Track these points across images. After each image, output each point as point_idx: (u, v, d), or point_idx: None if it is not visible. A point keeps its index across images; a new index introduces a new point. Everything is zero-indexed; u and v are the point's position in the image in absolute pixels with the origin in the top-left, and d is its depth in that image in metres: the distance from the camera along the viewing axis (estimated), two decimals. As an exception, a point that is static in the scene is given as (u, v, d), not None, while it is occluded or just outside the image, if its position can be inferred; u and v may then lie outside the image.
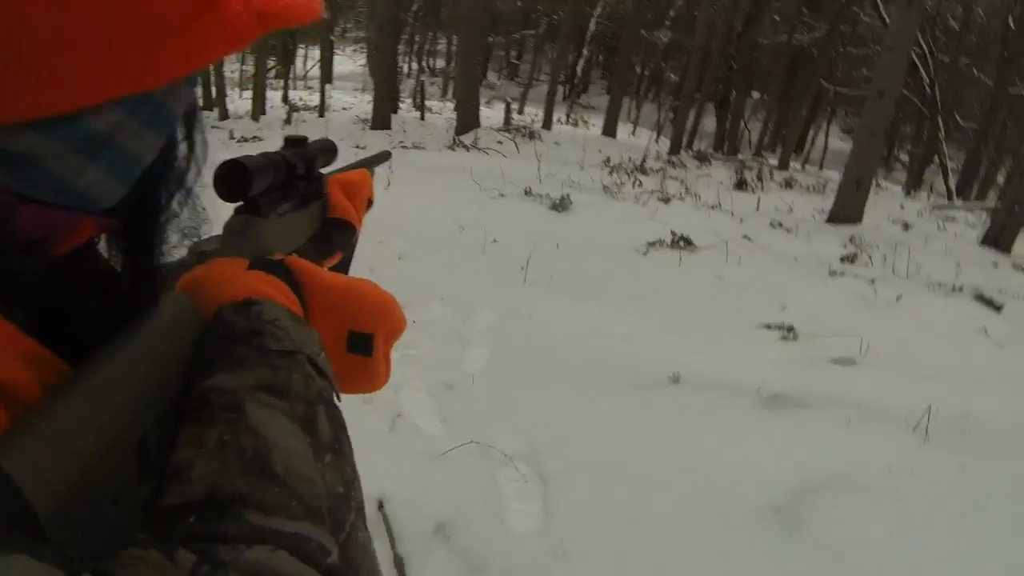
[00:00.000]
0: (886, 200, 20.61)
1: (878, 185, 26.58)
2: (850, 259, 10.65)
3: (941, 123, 29.38)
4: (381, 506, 3.25)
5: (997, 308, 8.94)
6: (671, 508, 3.49)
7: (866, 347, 6.70)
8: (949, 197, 27.29)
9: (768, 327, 7.06)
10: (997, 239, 14.77)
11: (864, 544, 3.32)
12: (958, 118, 37.61)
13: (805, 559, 3.23)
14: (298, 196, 1.13)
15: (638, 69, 45.93)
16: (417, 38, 49.13)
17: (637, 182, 13.44)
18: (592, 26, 35.82)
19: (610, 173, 14.10)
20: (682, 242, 9.34)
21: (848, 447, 4.31)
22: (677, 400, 4.76)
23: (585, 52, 39.97)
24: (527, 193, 10.70)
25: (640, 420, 4.45)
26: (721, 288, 8.25)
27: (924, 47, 27.91)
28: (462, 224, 9.08)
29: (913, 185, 29.00)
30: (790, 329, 6.97)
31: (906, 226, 15.30)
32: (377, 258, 7.54)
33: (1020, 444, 4.73)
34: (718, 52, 28.77)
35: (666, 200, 12.39)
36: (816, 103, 41.00)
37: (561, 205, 10.22)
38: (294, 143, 1.12)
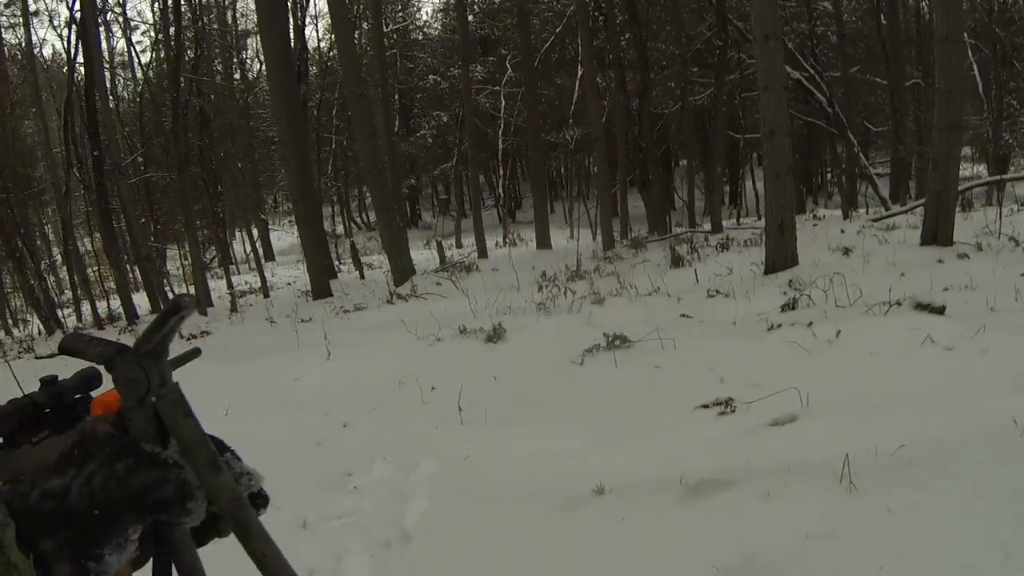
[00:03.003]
0: (828, 228, 20.82)
1: (816, 218, 26.91)
2: (790, 306, 10.61)
3: (852, 137, 29.81)
4: None
5: (939, 311, 8.88)
6: None
7: (807, 399, 6.69)
8: (884, 206, 27.58)
9: (706, 406, 7.07)
10: (935, 235, 14.88)
11: None
12: (869, 126, 38.23)
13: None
14: (53, 424, 1.40)
15: (562, 170, 46.57)
16: (344, 194, 49.59)
17: (568, 291, 13.58)
18: (500, 144, 36.35)
19: (540, 290, 14.25)
20: (617, 341, 9.38)
21: (764, 524, 4.27)
22: (601, 512, 4.79)
23: (501, 171, 40.49)
24: (462, 331, 10.79)
25: (565, 542, 4.48)
26: (659, 378, 8.28)
27: (810, 69, 28.53)
28: (401, 378, 9.14)
29: (850, 206, 29.30)
30: (727, 403, 6.98)
31: (847, 251, 15.34)
32: (323, 430, 7.67)
33: (956, 467, 4.64)
34: (622, 134, 29.24)
35: (600, 301, 12.47)
36: (732, 156, 41.75)
37: (496, 336, 10.33)
38: (45, 383, 1.41)
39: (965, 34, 26.28)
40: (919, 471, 4.61)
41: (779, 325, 9.43)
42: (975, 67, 31.05)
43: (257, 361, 11.48)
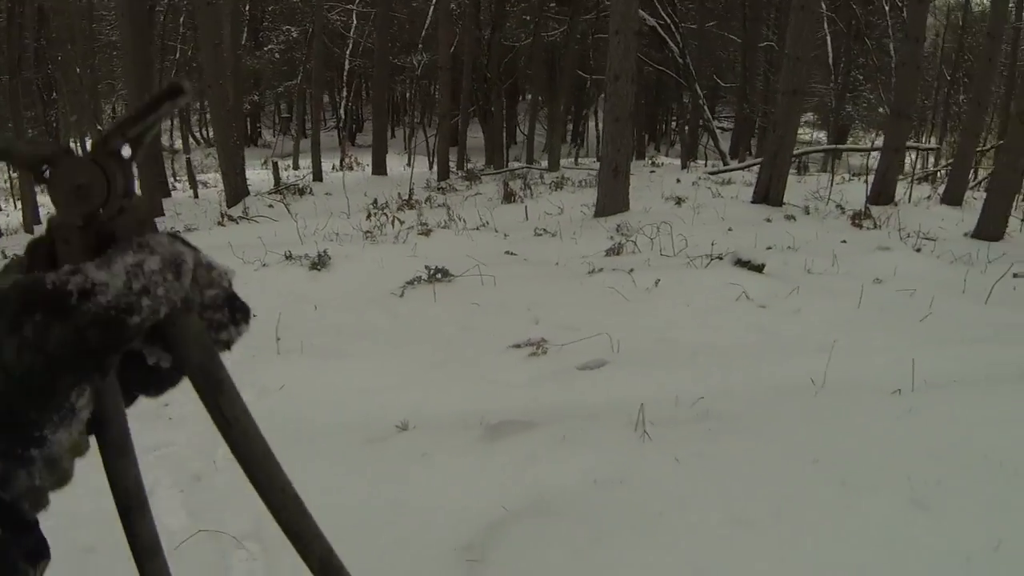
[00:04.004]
0: (665, 176, 21.19)
1: (654, 164, 27.39)
2: (615, 251, 10.94)
3: (699, 89, 30.40)
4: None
5: (758, 268, 9.24)
6: (370, 563, 3.72)
7: (618, 345, 6.96)
8: (723, 160, 28.24)
9: (518, 346, 7.29)
10: (767, 194, 15.47)
11: (549, 566, 3.56)
12: (719, 81, 38.95)
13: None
14: None
15: (407, 95, 46.26)
16: (185, 107, 48.22)
17: (396, 220, 13.68)
18: (347, 65, 36.02)
19: (368, 217, 14.29)
20: (439, 275, 9.55)
21: (557, 467, 4.48)
22: (403, 447, 5.00)
23: (345, 92, 40.14)
24: (287, 258, 10.78)
25: (366, 476, 4.67)
26: (477, 315, 8.47)
27: (667, 18, 28.98)
28: (222, 304, 9.19)
29: (689, 157, 29.93)
30: (539, 344, 7.19)
31: (679, 201, 15.84)
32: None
33: (748, 422, 5.00)
34: (469, 64, 29.24)
35: (427, 233, 12.61)
36: (579, 96, 42.09)
37: (320, 263, 10.39)
38: None
39: (823, 6, 27.10)
40: (712, 423, 4.94)
41: (600, 269, 9.71)
42: (828, 38, 31.98)
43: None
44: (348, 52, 35.55)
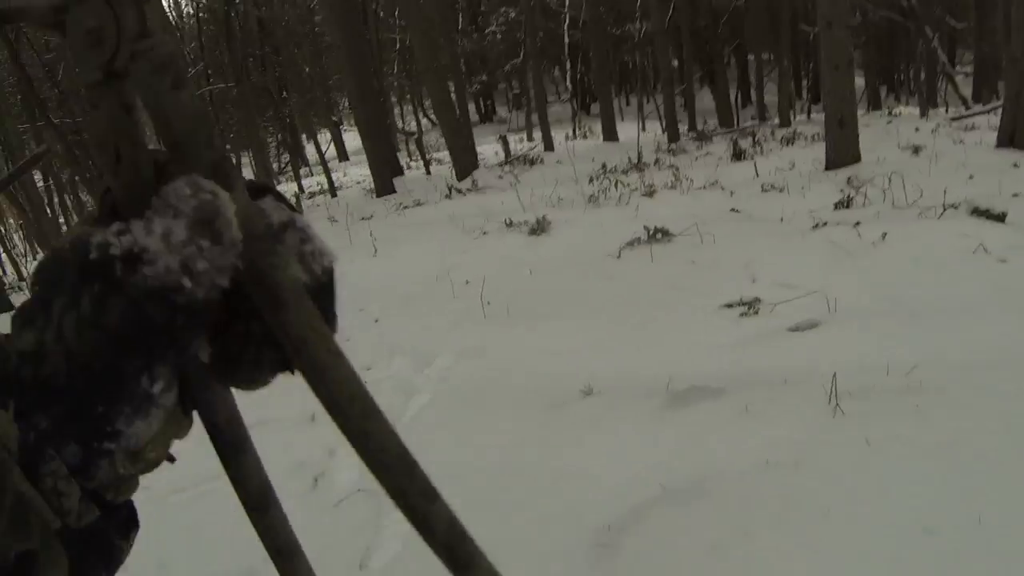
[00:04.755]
0: (902, 126, 20.19)
1: (891, 114, 26.18)
2: (844, 204, 10.35)
3: (929, 31, 28.70)
4: None
5: (999, 218, 8.24)
6: (509, 537, 3.45)
7: (835, 304, 6.43)
8: (964, 105, 26.73)
9: (729, 306, 6.89)
10: (1012, 137, 14.18)
11: (680, 561, 3.24)
12: (952, 21, 36.67)
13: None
14: None
15: (636, 61, 45.93)
16: (408, 95, 49.43)
17: (620, 183, 13.43)
18: (566, 38, 35.89)
19: (590, 181, 14.08)
20: (659, 235, 9.24)
21: (732, 443, 4.11)
22: (581, 414, 4.80)
23: (569, 65, 39.97)
24: (508, 225, 10.76)
25: (540, 441, 4.52)
26: (692, 274, 8.11)
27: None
28: (438, 273, 9.17)
29: (929, 103, 28.44)
30: (752, 304, 6.80)
31: (916, 150, 14.97)
32: (355, 326, 7.70)
33: (966, 395, 4.25)
34: (687, 28, 28.78)
35: (651, 194, 12.35)
36: (805, 49, 40.66)
37: (539, 228, 10.25)
38: None
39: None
40: (922, 398, 4.28)
41: (825, 224, 9.12)
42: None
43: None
44: (567, 26, 35.35)
